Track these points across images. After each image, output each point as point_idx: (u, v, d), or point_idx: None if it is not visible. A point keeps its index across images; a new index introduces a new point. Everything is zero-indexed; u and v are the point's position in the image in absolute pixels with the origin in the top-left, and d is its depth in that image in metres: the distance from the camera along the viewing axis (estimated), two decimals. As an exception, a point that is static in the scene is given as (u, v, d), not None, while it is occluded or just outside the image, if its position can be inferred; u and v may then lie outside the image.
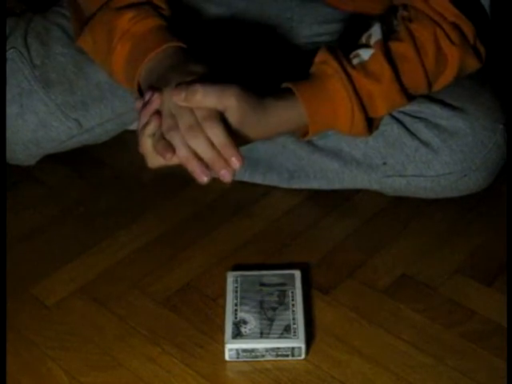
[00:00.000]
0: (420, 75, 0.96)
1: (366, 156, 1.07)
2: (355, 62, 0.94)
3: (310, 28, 1.15)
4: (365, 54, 0.95)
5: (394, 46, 0.95)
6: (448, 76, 0.98)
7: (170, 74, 0.90)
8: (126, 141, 1.19)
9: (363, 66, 0.94)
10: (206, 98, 0.86)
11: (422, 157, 1.04)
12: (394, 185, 1.08)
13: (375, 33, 0.96)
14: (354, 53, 0.95)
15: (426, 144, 1.04)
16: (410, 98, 0.98)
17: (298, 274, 0.98)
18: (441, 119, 1.04)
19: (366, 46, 0.96)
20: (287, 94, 0.93)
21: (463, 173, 1.04)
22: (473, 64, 0.99)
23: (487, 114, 1.04)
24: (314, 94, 0.93)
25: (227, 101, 0.87)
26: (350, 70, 0.93)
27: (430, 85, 0.98)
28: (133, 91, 0.96)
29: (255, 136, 0.92)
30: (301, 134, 0.97)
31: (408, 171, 1.06)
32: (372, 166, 1.07)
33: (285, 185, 1.13)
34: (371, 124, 0.97)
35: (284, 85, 0.94)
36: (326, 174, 1.10)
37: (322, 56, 0.95)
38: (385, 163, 1.06)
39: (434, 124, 1.04)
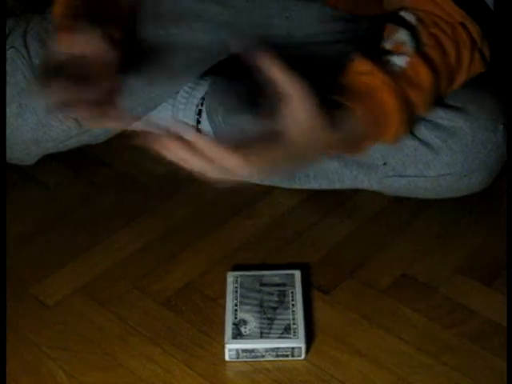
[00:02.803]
0: (446, 81, 0.95)
1: (366, 156, 1.07)
2: (393, 69, 0.92)
3: (309, 27, 1.15)
4: (399, 61, 0.92)
5: (427, 51, 0.94)
6: (460, 79, 0.98)
7: None
8: (126, 141, 1.19)
9: (404, 74, 0.92)
10: (281, 71, 0.82)
11: (422, 157, 1.04)
12: (394, 185, 1.08)
13: (405, 38, 0.94)
14: (385, 60, 0.93)
15: (426, 144, 1.04)
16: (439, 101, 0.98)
17: (297, 274, 0.98)
18: (441, 119, 1.04)
19: (397, 53, 0.93)
20: (343, 108, 0.88)
21: (463, 173, 1.04)
22: (478, 67, 0.99)
23: (487, 114, 1.04)
24: (368, 107, 0.89)
25: (298, 88, 0.82)
26: (400, 82, 0.90)
27: (450, 87, 0.98)
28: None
29: (316, 145, 0.86)
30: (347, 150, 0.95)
31: (408, 171, 1.06)
32: (372, 166, 1.07)
33: (285, 185, 1.13)
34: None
35: (334, 98, 0.89)
36: (326, 174, 1.10)
37: (363, 65, 0.91)
38: (385, 163, 1.06)
39: (434, 124, 1.04)
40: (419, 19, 0.96)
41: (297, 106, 0.81)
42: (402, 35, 0.95)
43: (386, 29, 0.97)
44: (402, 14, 0.98)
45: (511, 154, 1.07)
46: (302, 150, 0.85)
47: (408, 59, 0.93)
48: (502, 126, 1.04)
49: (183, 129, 0.81)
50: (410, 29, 0.96)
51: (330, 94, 0.90)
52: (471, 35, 0.96)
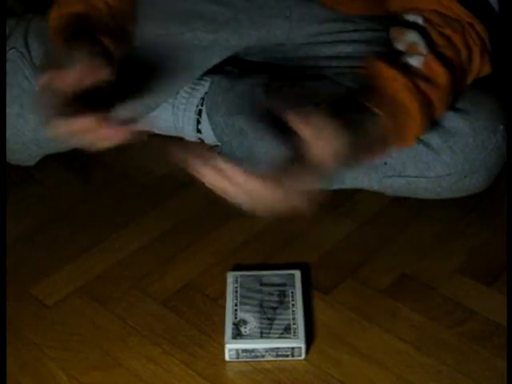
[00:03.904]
0: (460, 80, 0.95)
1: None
2: (411, 71, 0.92)
3: (309, 27, 1.15)
4: (415, 62, 0.92)
5: (440, 52, 0.94)
6: (470, 79, 0.98)
7: None
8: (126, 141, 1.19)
9: (422, 75, 0.91)
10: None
11: (423, 157, 1.04)
12: (394, 185, 1.08)
13: (418, 39, 0.94)
14: (402, 62, 0.92)
15: (426, 144, 1.04)
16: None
17: (297, 274, 0.98)
18: (441, 120, 1.04)
19: (411, 54, 0.93)
20: (370, 114, 0.88)
21: (463, 173, 1.04)
22: (487, 67, 0.99)
23: (488, 115, 1.04)
24: (391, 111, 0.89)
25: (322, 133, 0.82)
26: (417, 82, 0.90)
27: (462, 87, 0.97)
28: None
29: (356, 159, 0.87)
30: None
31: (408, 172, 1.06)
32: (372, 166, 1.07)
33: (285, 185, 1.13)
34: None
35: (360, 101, 0.88)
36: (326, 174, 1.09)
37: (384, 69, 0.90)
38: (385, 163, 1.06)
39: (435, 124, 1.04)
40: (427, 19, 0.96)
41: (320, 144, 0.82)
42: (413, 36, 0.95)
43: (392, 31, 0.97)
44: (407, 16, 0.98)
45: (511, 155, 1.07)
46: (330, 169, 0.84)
47: (423, 59, 0.93)
48: (502, 127, 1.04)
49: (208, 155, 0.81)
50: (419, 29, 0.96)
51: (356, 98, 0.89)
52: (479, 35, 0.97)
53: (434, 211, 1.11)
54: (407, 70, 0.91)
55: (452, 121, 1.03)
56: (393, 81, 0.90)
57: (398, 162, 1.05)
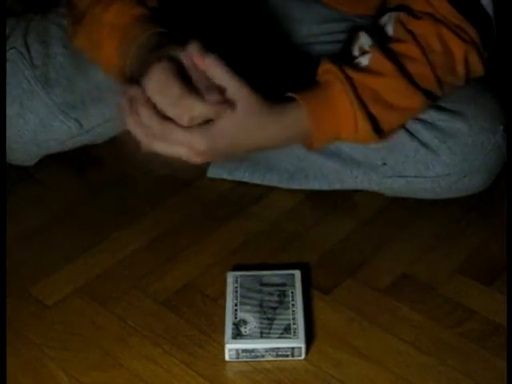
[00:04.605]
0: (428, 72, 0.95)
1: (365, 157, 1.07)
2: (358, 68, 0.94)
3: (310, 27, 1.15)
4: (364, 60, 0.94)
5: (394, 47, 0.95)
6: (458, 74, 0.98)
7: (149, 58, 0.88)
8: (126, 141, 1.19)
9: (365, 69, 0.93)
10: (218, 69, 0.86)
11: (422, 157, 1.04)
12: (394, 185, 1.08)
13: (365, 40, 0.96)
14: (354, 63, 0.95)
15: (425, 145, 1.04)
16: (428, 96, 0.96)
17: (297, 274, 0.98)
18: (440, 120, 1.04)
19: (363, 54, 0.95)
20: (291, 103, 0.91)
21: (463, 174, 1.04)
22: (478, 68, 0.99)
23: (487, 115, 1.04)
24: (317, 102, 0.92)
25: (240, 90, 0.86)
26: (350, 73, 0.92)
27: (440, 83, 0.97)
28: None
29: (251, 141, 0.90)
30: (307, 144, 0.96)
31: (408, 172, 1.06)
32: (372, 166, 1.07)
33: (284, 185, 1.13)
34: (380, 130, 0.95)
35: (288, 94, 0.92)
36: (325, 174, 1.10)
37: (324, 66, 0.94)
38: (384, 164, 1.06)
39: (433, 125, 1.04)
40: (399, 17, 0.97)
41: (240, 109, 0.86)
42: (363, 38, 0.97)
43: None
44: (392, 13, 0.99)
45: (511, 155, 1.07)
46: (242, 144, 0.90)
47: (369, 55, 0.94)
48: (501, 127, 1.04)
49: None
50: (384, 28, 0.98)
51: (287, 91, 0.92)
52: (470, 36, 0.96)
53: (434, 211, 1.11)
54: (353, 67, 0.94)
55: (451, 121, 1.03)
56: (326, 73, 0.93)
57: (398, 162, 1.06)
